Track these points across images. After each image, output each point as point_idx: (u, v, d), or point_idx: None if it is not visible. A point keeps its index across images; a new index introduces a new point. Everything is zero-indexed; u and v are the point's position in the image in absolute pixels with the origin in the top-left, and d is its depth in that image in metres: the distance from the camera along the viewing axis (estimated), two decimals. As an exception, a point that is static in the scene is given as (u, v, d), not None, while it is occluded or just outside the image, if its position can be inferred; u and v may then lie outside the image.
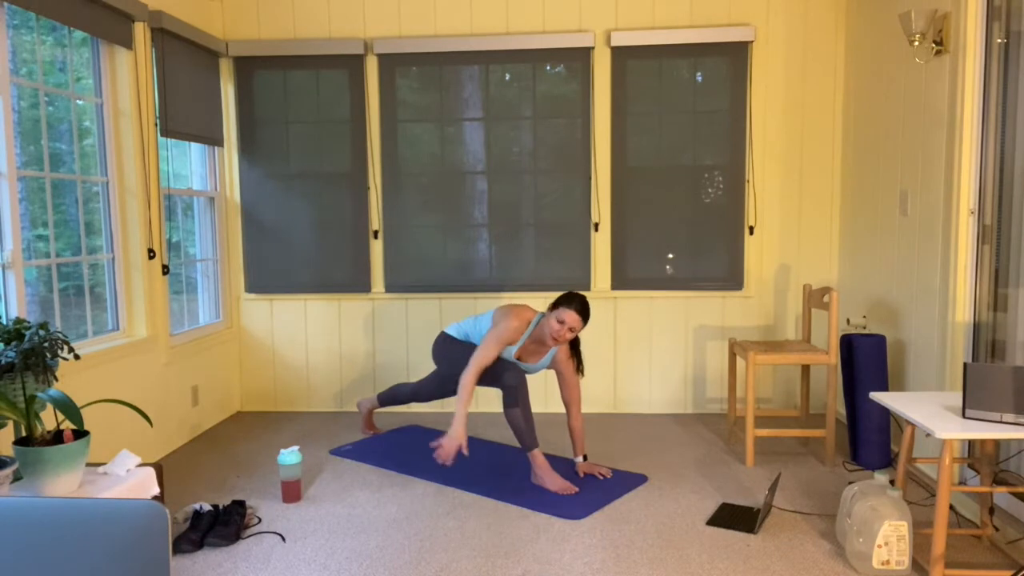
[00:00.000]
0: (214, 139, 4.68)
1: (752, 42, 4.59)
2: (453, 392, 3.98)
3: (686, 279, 4.77)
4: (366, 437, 4.35)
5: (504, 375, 3.53)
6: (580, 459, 3.70)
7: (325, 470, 3.81)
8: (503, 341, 3.47)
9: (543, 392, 4.89)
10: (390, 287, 4.88)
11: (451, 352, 3.78)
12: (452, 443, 3.32)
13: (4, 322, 2.52)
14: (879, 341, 3.73)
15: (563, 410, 4.86)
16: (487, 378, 3.60)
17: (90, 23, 3.49)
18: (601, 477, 3.62)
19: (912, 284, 3.74)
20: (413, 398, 4.10)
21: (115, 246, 3.86)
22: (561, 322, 3.42)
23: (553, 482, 3.45)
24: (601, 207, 4.75)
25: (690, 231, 4.74)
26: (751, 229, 4.72)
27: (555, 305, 3.49)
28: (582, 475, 3.66)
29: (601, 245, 4.77)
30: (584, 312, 3.45)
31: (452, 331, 3.84)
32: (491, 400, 4.94)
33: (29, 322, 2.50)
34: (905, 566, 2.64)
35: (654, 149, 4.70)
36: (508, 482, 3.57)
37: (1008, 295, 3.11)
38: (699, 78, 4.65)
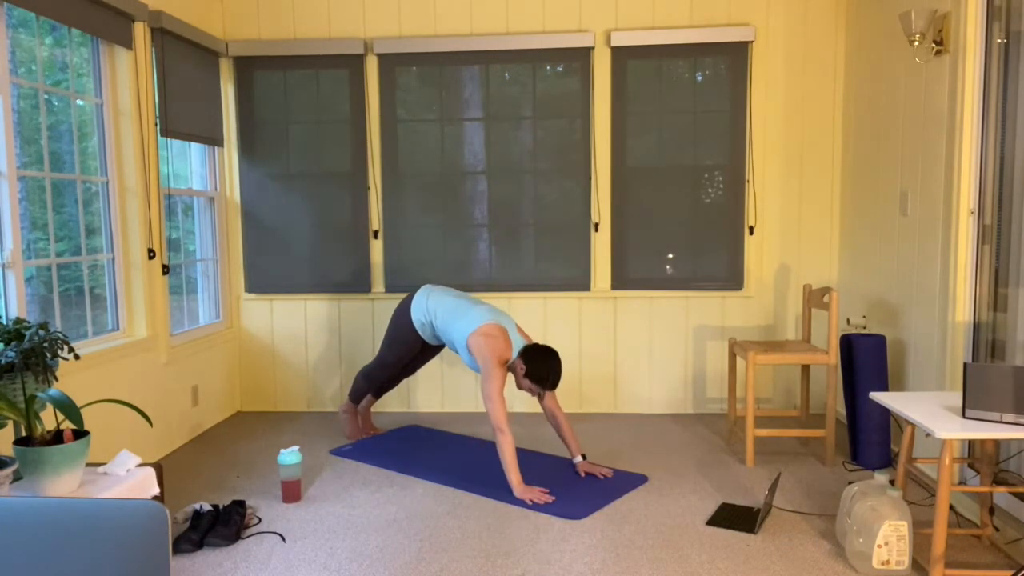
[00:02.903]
0: (214, 139, 4.68)
1: (752, 42, 4.59)
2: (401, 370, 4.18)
3: (686, 279, 4.77)
4: (366, 438, 4.35)
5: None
6: (579, 459, 3.70)
7: (325, 470, 3.81)
8: (502, 385, 3.50)
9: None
10: (390, 287, 4.88)
11: (395, 336, 3.97)
12: (525, 496, 3.35)
13: (4, 322, 2.52)
14: (879, 341, 3.73)
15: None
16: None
17: (90, 23, 3.49)
18: (602, 477, 3.62)
19: (912, 284, 3.74)
20: (369, 378, 4.20)
21: (115, 246, 3.86)
22: (534, 391, 3.58)
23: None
24: (601, 207, 4.75)
25: (690, 231, 4.74)
26: (751, 229, 4.72)
27: (529, 371, 3.50)
28: (583, 475, 3.66)
29: (601, 245, 4.77)
30: (557, 385, 3.58)
31: (417, 309, 3.87)
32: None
33: (29, 322, 2.50)
34: (905, 566, 2.64)
35: (654, 149, 4.70)
36: (508, 482, 3.57)
37: (1008, 295, 3.11)
38: (699, 78, 4.65)
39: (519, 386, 3.60)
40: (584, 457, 3.72)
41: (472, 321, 3.62)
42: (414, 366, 4.27)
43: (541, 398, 3.69)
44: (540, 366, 3.50)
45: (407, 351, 4.00)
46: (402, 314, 3.94)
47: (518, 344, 3.62)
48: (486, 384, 3.46)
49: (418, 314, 3.87)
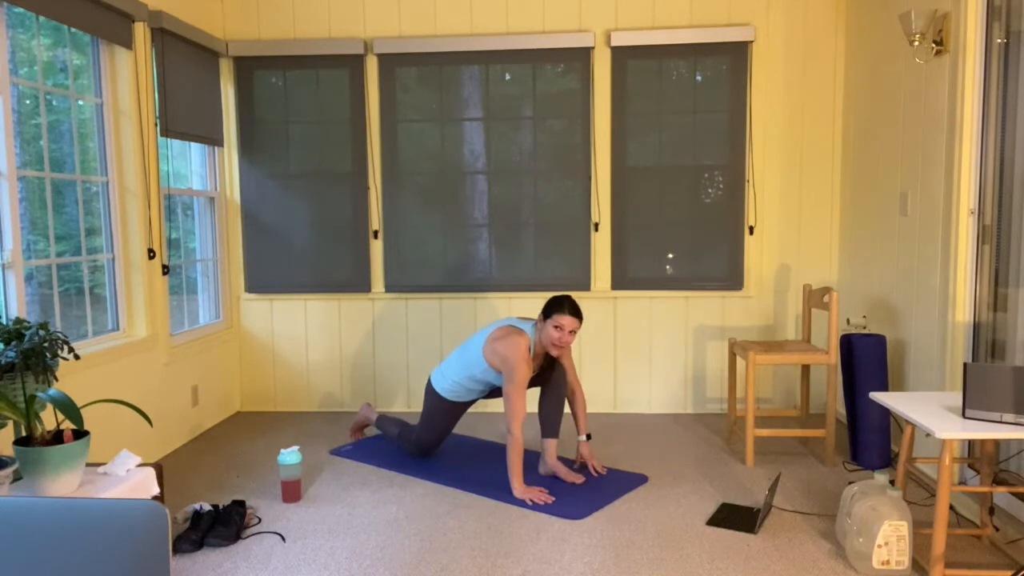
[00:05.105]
0: (214, 139, 4.68)
1: (752, 42, 4.58)
2: (438, 441, 3.90)
3: (686, 279, 4.77)
4: (365, 438, 4.34)
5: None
6: (583, 438, 3.68)
7: (325, 470, 3.81)
8: (524, 386, 3.43)
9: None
10: (390, 287, 4.88)
11: (429, 412, 3.80)
12: (525, 496, 3.34)
13: (4, 322, 2.52)
14: (879, 341, 3.73)
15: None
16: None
17: (90, 23, 3.49)
18: (595, 474, 3.62)
19: (912, 284, 3.74)
20: (409, 445, 3.95)
21: (115, 246, 3.86)
22: (558, 327, 3.43)
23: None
24: (601, 207, 4.75)
25: (690, 231, 4.74)
26: (751, 229, 4.72)
27: (545, 315, 3.48)
28: (578, 462, 3.68)
29: (601, 245, 4.77)
30: (575, 311, 3.45)
31: (437, 382, 3.76)
32: (489, 400, 4.94)
33: (29, 322, 2.50)
34: (905, 566, 2.64)
35: (654, 149, 4.70)
36: (508, 482, 3.57)
37: (1008, 295, 3.11)
38: (699, 78, 4.64)
39: (559, 343, 3.44)
40: (589, 437, 3.71)
41: (476, 342, 3.62)
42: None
43: (570, 343, 3.57)
44: (551, 305, 3.44)
45: (450, 424, 3.85)
46: (431, 397, 3.80)
47: (528, 326, 3.57)
48: (507, 384, 3.40)
49: (442, 384, 3.75)
